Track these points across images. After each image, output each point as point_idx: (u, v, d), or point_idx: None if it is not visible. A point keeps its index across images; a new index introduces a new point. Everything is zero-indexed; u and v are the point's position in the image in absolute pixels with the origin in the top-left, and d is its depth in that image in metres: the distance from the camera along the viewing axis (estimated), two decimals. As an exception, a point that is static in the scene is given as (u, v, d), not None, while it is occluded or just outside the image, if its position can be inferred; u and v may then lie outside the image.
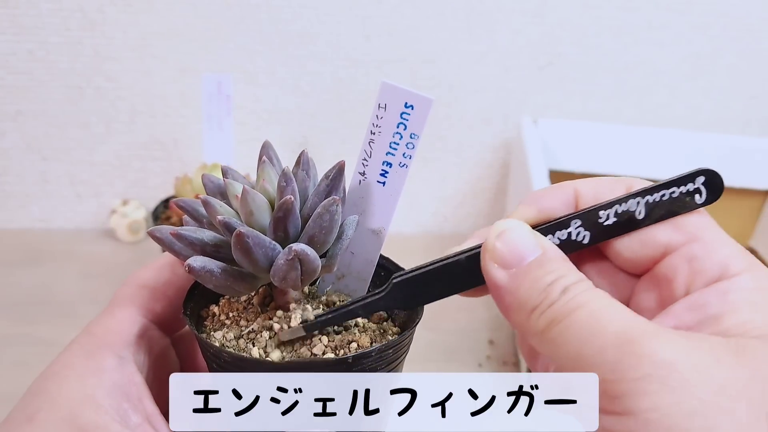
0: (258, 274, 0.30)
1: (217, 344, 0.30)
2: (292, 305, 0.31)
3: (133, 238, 0.76)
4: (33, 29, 0.70)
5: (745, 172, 0.73)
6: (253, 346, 0.30)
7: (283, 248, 0.29)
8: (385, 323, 0.33)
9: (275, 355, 0.30)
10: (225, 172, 0.32)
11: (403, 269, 0.32)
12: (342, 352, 0.30)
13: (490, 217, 0.83)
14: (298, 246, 0.29)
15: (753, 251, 0.76)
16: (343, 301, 0.34)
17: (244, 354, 0.30)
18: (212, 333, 0.31)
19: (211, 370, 0.31)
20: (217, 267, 0.29)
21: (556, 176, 0.72)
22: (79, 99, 0.74)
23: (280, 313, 0.31)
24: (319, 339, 0.30)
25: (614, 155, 0.74)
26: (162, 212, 0.63)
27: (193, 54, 0.72)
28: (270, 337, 0.30)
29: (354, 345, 0.30)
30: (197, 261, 0.29)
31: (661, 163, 0.74)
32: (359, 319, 0.33)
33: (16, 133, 0.75)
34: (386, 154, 0.31)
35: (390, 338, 0.31)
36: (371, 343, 0.31)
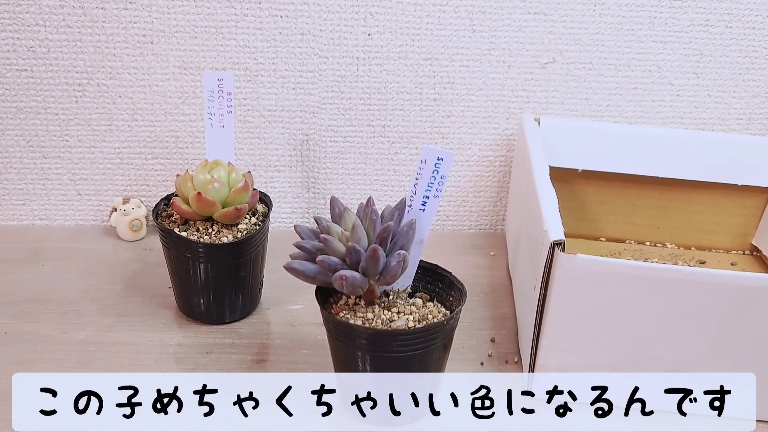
0: (372, 277, 0.43)
1: (360, 323, 0.45)
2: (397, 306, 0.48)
3: (134, 236, 0.76)
4: (33, 26, 0.70)
5: (748, 170, 0.72)
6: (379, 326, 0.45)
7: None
8: (429, 303, 0.50)
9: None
10: (318, 221, 0.45)
11: (433, 264, 0.50)
12: (432, 319, 0.47)
13: (492, 215, 0.83)
14: (403, 251, 0.42)
15: (756, 250, 0.76)
16: (400, 291, 0.49)
17: (389, 328, 0.44)
18: (349, 319, 0.46)
19: (339, 341, 0.46)
20: (360, 277, 0.42)
21: (558, 173, 0.72)
22: (80, 96, 0.74)
23: (377, 309, 0.46)
24: (407, 318, 0.46)
25: (616, 153, 0.74)
26: (163, 210, 0.63)
27: (195, 51, 0.72)
28: (382, 322, 0.45)
29: (430, 316, 0.47)
30: (348, 273, 0.41)
31: (663, 161, 0.74)
32: (418, 300, 0.49)
33: (16, 131, 0.75)
34: (426, 190, 0.46)
35: (445, 311, 0.49)
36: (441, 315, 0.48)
